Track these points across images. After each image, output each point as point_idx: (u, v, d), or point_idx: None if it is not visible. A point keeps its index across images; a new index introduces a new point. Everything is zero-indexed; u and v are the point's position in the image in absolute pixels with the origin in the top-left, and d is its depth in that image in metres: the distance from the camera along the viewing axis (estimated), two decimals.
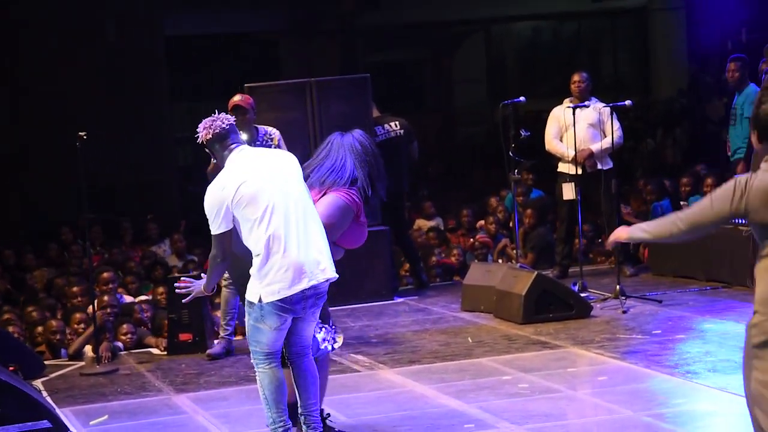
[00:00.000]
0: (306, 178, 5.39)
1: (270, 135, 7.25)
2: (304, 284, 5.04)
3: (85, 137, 7.46)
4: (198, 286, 5.32)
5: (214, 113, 5.37)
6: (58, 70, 13.03)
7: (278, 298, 5.02)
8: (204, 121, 5.28)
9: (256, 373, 5.18)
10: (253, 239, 5.06)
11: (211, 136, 5.22)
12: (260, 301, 5.04)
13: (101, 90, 13.24)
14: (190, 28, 15.02)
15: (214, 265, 5.19)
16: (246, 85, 9.18)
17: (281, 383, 5.15)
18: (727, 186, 3.79)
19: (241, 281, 5.36)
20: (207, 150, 5.33)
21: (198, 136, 5.29)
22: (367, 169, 5.54)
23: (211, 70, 15.11)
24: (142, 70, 13.70)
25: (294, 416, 5.36)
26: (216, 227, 5.10)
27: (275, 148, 7.25)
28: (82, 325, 8.21)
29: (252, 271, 5.08)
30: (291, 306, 5.05)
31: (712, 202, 3.82)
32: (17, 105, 13.04)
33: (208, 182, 7.19)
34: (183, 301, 5.52)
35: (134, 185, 13.53)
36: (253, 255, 5.08)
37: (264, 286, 5.03)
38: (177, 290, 5.44)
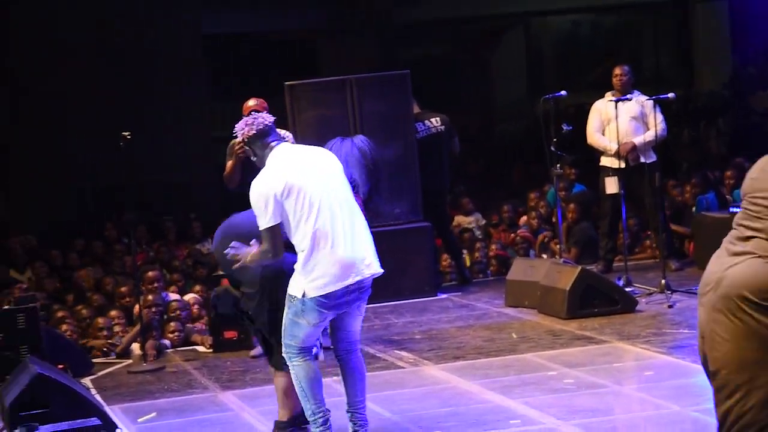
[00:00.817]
0: None
1: (284, 137, 7.27)
2: (350, 279, 5.05)
3: (129, 137, 7.53)
4: (245, 252, 5.25)
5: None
6: (98, 70, 13.11)
7: (323, 293, 5.02)
8: (244, 119, 5.30)
9: (291, 368, 5.16)
10: (299, 234, 5.06)
11: (254, 132, 5.22)
12: (304, 295, 5.04)
13: (137, 89, 13.31)
14: (226, 27, 15.07)
15: (264, 259, 5.15)
16: (286, 83, 9.22)
17: (317, 374, 5.17)
18: None
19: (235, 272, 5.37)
20: (247, 147, 5.32)
21: (236, 134, 5.29)
22: (366, 175, 5.52)
23: (248, 68, 15.14)
24: (179, 69, 13.77)
25: (294, 428, 5.42)
26: (266, 221, 5.07)
27: None
28: (117, 321, 8.29)
29: (297, 266, 5.09)
30: (334, 301, 5.06)
31: None
32: (63, 107, 13.11)
33: (225, 186, 7.18)
34: (232, 267, 5.46)
35: (173, 185, 13.60)
36: (297, 251, 5.09)
37: (309, 281, 5.03)
38: (227, 254, 5.35)
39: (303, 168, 5.13)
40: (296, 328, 5.09)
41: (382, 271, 5.19)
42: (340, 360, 5.27)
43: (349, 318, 5.21)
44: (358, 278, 5.07)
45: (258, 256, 5.14)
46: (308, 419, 5.18)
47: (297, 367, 5.13)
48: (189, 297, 9.00)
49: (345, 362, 5.26)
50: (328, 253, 5.02)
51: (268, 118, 5.29)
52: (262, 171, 5.20)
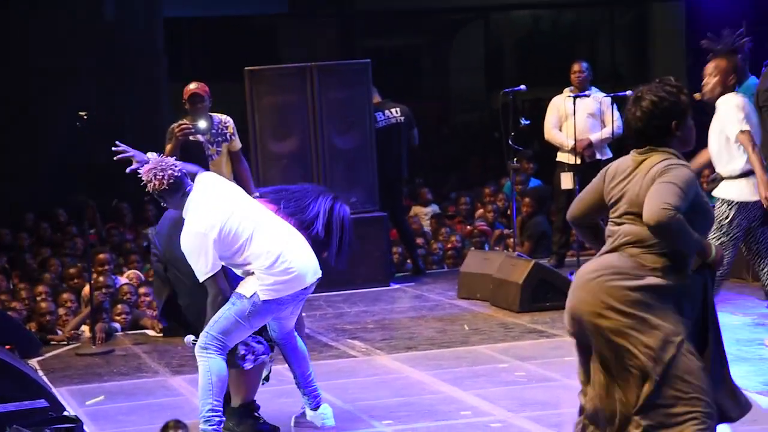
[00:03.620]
0: (270, 192, 5.49)
1: (225, 123, 7.23)
2: (301, 286, 5.11)
3: (85, 117, 7.45)
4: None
5: (154, 155, 5.16)
6: (55, 49, 12.93)
7: (275, 297, 5.03)
8: (150, 168, 5.11)
9: (204, 359, 5.07)
10: (248, 258, 5.05)
11: (166, 186, 5.06)
12: (254, 296, 5.02)
13: (96, 70, 13.15)
14: (189, 11, 14.93)
15: (217, 304, 5.06)
16: (246, 68, 9.16)
17: (227, 375, 5.13)
18: None
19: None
20: (156, 197, 5.17)
21: (146, 184, 5.10)
22: (327, 230, 5.50)
23: (209, 52, 15.04)
24: (139, 51, 13.63)
25: (246, 415, 5.39)
26: (206, 270, 4.99)
27: (230, 136, 7.22)
28: (68, 304, 8.22)
29: (255, 273, 5.06)
30: (282, 306, 5.10)
31: None
32: (21, 87, 12.89)
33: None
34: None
35: (128, 167, 13.42)
36: (254, 265, 5.06)
37: (264, 286, 5.03)
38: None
39: (226, 199, 5.12)
40: (234, 327, 5.05)
41: (320, 274, 5.24)
42: (281, 345, 5.33)
43: (288, 321, 5.29)
44: (308, 283, 5.14)
45: (212, 306, 5.05)
46: (204, 414, 5.07)
47: (212, 361, 5.06)
48: (130, 273, 8.97)
49: (285, 345, 5.33)
50: (280, 266, 5.03)
51: (175, 167, 5.11)
52: (190, 221, 5.06)
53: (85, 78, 12.96)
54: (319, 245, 5.47)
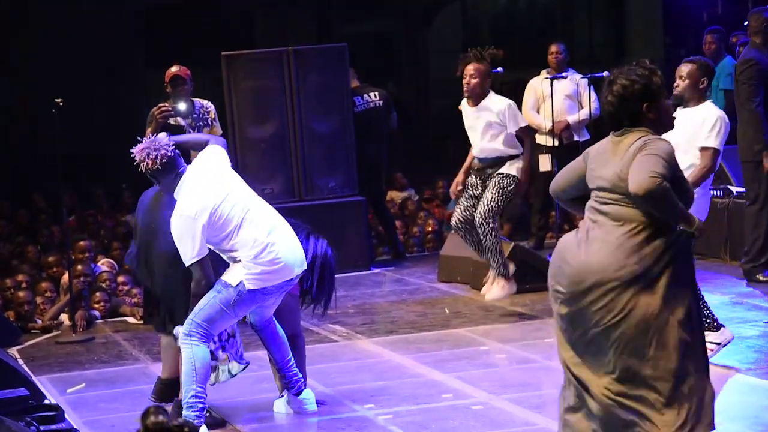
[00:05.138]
0: None
1: (206, 108, 7.18)
2: (287, 276, 5.10)
3: (61, 104, 7.40)
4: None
5: (146, 137, 5.13)
6: (29, 34, 12.84)
7: (261, 287, 5.03)
8: (142, 147, 5.08)
9: (187, 346, 5.06)
10: (239, 241, 5.04)
11: (159, 165, 5.03)
12: (240, 285, 5.01)
13: (73, 55, 13.07)
14: None
15: (200, 290, 5.04)
16: (223, 53, 9.13)
17: (210, 363, 5.15)
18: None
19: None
20: (149, 177, 5.14)
21: (139, 164, 5.07)
22: (319, 285, 5.48)
23: (187, 37, 14.97)
24: (116, 36, 13.55)
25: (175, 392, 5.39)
26: (194, 254, 4.97)
27: (212, 122, 7.19)
28: (48, 294, 8.19)
29: (241, 262, 5.05)
30: (267, 296, 5.11)
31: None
32: None
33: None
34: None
35: (106, 154, 13.39)
36: (241, 252, 5.05)
37: (249, 275, 5.02)
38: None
39: (219, 183, 5.09)
40: (219, 315, 5.05)
41: (306, 266, 5.25)
42: (259, 330, 5.35)
43: (269, 309, 5.31)
44: (294, 275, 5.15)
45: (196, 291, 5.04)
46: (187, 401, 5.05)
47: (196, 349, 5.06)
48: (104, 261, 8.95)
49: (264, 331, 5.34)
50: (267, 256, 5.03)
51: (168, 147, 5.07)
52: (181, 204, 5.04)
53: (62, 65, 12.88)
54: (304, 296, 5.48)
